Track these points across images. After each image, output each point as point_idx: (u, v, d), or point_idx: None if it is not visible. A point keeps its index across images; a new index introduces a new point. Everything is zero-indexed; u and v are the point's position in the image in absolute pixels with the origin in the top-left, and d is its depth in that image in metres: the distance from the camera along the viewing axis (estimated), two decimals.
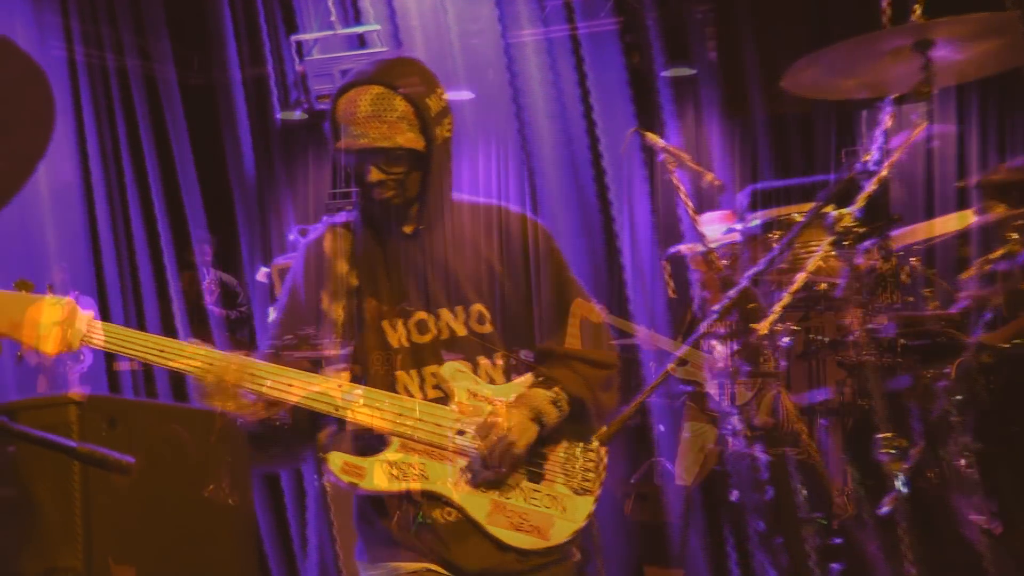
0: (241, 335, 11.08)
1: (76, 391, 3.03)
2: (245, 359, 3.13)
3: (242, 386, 3.10)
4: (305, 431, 3.26)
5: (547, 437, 3.31)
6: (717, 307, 3.09)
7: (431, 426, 3.23)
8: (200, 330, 10.76)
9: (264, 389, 3.11)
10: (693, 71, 10.97)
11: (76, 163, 11.47)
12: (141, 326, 10.83)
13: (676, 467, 7.52)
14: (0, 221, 9.52)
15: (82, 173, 11.47)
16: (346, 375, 3.21)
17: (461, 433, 3.23)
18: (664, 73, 10.74)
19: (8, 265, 10.39)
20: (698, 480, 6.91)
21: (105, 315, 10.68)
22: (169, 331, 10.65)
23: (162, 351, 3.11)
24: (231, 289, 11.40)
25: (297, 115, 12.51)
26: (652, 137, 4.05)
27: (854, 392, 3.91)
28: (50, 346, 3.04)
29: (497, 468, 3.22)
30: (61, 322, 3.04)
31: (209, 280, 11.06)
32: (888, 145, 3.24)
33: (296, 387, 3.13)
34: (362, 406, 3.18)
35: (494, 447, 3.19)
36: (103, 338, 3.09)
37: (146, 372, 9.65)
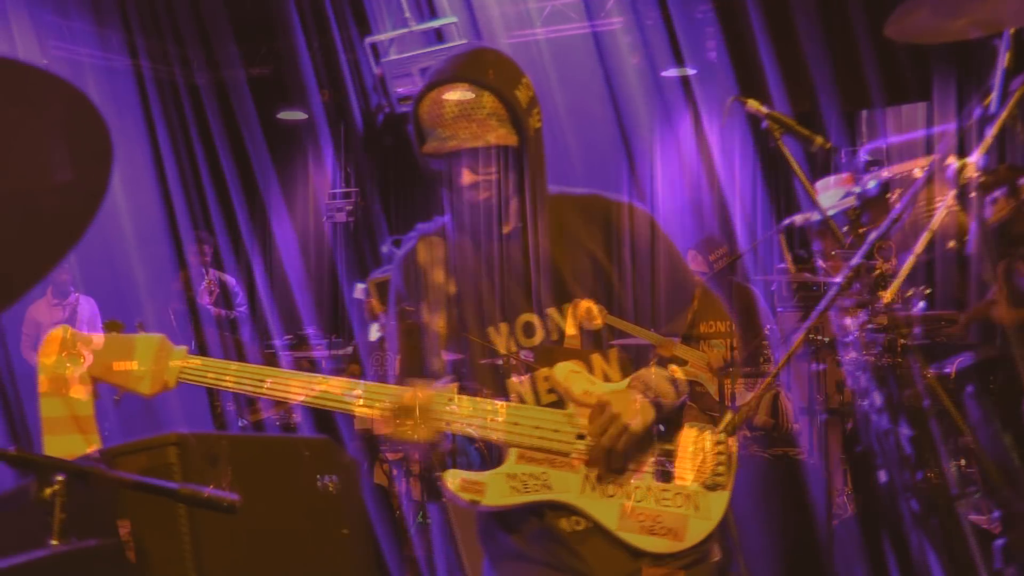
0: (240, 335, 11.30)
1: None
2: (426, 389, 3.18)
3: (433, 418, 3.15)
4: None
5: (671, 433, 3.29)
6: (839, 278, 3.06)
7: (549, 432, 3.22)
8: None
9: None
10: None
11: (155, 181, 11.76)
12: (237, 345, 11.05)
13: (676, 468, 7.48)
14: (86, 254, 9.77)
15: (161, 190, 11.75)
16: (453, 388, 3.23)
17: (581, 437, 3.23)
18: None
19: (98, 297, 10.65)
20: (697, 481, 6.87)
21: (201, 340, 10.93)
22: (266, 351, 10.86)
23: (261, 381, 3.17)
24: (230, 289, 11.62)
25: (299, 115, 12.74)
26: (754, 104, 4.01)
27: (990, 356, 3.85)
28: (146, 387, 3.12)
29: (615, 455, 3.19)
30: (155, 361, 3.12)
31: (209, 280, 11.27)
32: (1010, 87, 3.17)
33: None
34: (474, 418, 3.20)
35: (607, 431, 3.17)
36: (200, 373, 3.16)
37: None
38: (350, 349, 11.20)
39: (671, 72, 11.32)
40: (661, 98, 11.22)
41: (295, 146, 14.22)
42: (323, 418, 9.97)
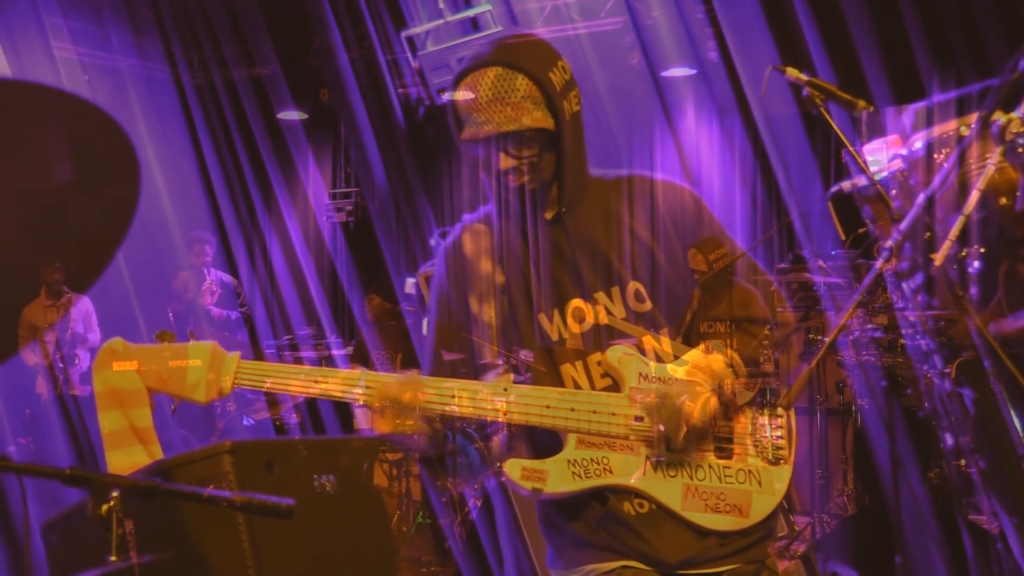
0: (242, 336, 11.35)
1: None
2: (416, 377, 3.17)
3: (419, 405, 3.13)
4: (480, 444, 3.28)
5: (729, 408, 3.28)
6: (889, 243, 3.02)
7: (607, 416, 3.22)
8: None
9: (434, 406, 3.15)
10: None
11: (202, 190, 11.85)
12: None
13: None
14: (137, 259, 9.83)
15: (209, 200, 11.83)
16: (508, 377, 3.23)
17: (639, 419, 3.21)
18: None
19: (151, 305, 10.70)
20: None
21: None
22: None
23: (316, 381, 3.18)
24: (232, 290, 11.68)
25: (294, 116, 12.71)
26: (793, 72, 3.97)
27: None
28: (201, 395, 3.14)
29: (681, 447, 3.19)
30: (209, 369, 3.14)
31: (210, 281, 11.31)
32: None
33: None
34: (530, 406, 3.19)
35: (674, 427, 3.16)
36: (256, 377, 3.18)
37: None
38: (350, 349, 11.25)
39: (671, 72, 11.31)
40: (661, 98, 11.19)
41: (295, 146, 14.24)
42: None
